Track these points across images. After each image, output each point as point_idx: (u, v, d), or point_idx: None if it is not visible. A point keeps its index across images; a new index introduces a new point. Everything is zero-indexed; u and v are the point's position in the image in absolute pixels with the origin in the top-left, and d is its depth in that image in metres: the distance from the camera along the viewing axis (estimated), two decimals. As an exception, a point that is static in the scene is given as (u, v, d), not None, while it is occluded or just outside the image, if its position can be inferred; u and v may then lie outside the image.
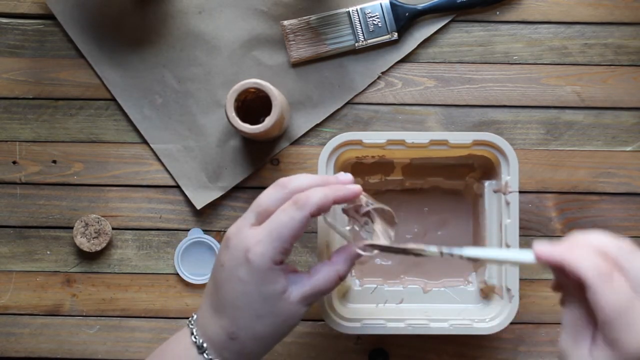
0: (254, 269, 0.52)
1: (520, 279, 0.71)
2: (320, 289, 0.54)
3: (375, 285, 0.70)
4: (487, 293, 0.68)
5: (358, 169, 0.71)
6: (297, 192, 0.54)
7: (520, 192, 0.71)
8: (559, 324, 0.71)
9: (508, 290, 0.64)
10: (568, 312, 0.45)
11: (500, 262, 0.65)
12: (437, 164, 0.70)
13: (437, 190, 0.71)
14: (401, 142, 0.66)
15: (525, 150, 0.72)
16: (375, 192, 0.71)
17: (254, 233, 0.53)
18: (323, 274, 0.55)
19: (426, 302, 0.69)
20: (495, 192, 0.67)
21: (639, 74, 0.72)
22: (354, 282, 0.70)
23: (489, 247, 0.66)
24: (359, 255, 0.56)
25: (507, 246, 0.64)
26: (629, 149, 0.72)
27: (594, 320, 0.44)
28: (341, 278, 0.55)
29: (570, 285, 0.45)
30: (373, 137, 0.66)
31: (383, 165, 0.71)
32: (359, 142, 0.66)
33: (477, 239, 0.69)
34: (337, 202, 0.54)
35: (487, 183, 0.68)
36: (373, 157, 0.69)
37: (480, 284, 0.69)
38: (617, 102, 0.72)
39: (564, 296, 0.46)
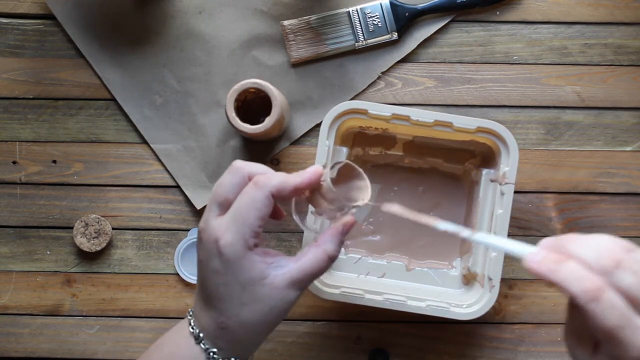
0: (225, 258, 0.51)
1: (520, 279, 0.71)
2: (308, 272, 0.53)
3: (359, 256, 0.70)
4: (469, 280, 0.68)
5: (360, 138, 0.71)
6: (253, 175, 0.53)
7: (520, 192, 0.71)
8: (559, 324, 0.71)
9: (490, 279, 0.64)
10: (570, 317, 0.44)
11: (501, 251, 0.64)
12: (438, 146, 0.70)
13: (435, 171, 0.71)
14: (406, 118, 0.66)
15: (525, 150, 0.72)
16: (373, 165, 0.71)
17: (220, 222, 0.52)
18: (310, 256, 0.53)
19: (407, 280, 0.69)
20: (492, 181, 0.68)
21: (639, 74, 0.72)
22: None
23: (494, 236, 0.64)
24: (347, 231, 0.55)
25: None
26: (629, 149, 0.72)
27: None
28: (331, 258, 0.54)
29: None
30: (379, 108, 0.66)
31: (385, 139, 0.71)
32: (364, 112, 0.66)
33: (468, 226, 0.69)
34: (298, 188, 0.53)
35: (485, 171, 0.68)
36: (376, 129, 0.69)
37: (463, 269, 0.69)
38: (617, 102, 0.72)
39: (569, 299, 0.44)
